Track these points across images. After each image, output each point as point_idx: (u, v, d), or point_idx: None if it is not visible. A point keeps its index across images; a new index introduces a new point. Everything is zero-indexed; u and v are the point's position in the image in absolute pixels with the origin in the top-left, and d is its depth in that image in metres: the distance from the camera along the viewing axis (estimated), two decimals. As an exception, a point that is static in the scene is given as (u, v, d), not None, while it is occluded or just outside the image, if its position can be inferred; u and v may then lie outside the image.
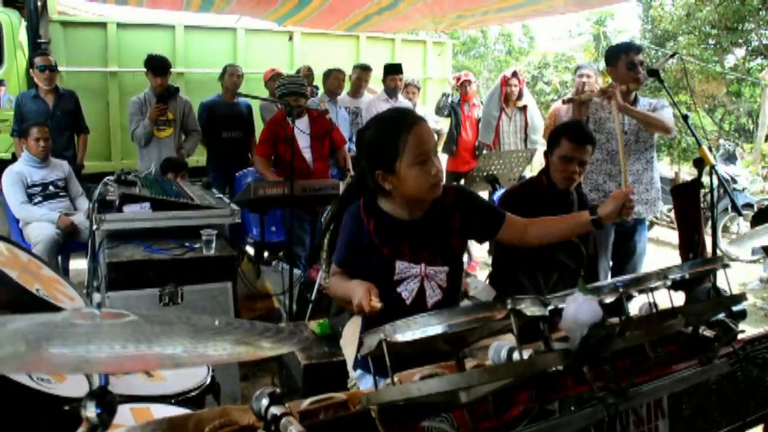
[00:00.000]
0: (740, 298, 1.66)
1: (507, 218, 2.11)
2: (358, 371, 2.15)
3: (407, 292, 1.99)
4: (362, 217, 2.02)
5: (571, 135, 2.95)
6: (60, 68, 6.00)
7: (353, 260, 2.05)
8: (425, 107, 7.38)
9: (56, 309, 2.03)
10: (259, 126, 6.33)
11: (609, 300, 1.35)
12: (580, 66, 6.00)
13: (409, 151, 1.87)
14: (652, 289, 1.46)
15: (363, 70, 6.50)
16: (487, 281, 3.32)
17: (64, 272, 4.79)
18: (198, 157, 6.43)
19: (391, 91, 6.28)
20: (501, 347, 1.43)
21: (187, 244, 3.44)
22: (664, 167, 12.56)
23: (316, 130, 4.95)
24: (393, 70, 6.34)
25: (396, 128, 1.91)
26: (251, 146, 6.38)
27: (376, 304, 1.79)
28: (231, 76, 6.04)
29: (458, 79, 6.91)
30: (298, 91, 4.75)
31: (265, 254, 5.59)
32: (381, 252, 1.99)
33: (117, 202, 3.56)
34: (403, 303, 1.98)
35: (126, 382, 2.06)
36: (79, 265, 5.13)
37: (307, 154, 4.87)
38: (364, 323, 2.14)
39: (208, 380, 2.27)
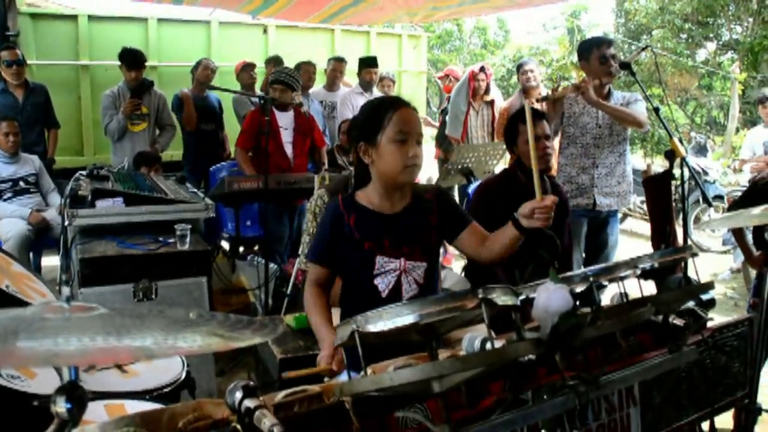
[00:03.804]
0: (708, 286, 1.69)
1: (472, 224, 2.13)
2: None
3: (384, 284, 2.01)
4: (342, 212, 2.04)
5: (525, 117, 3.01)
6: (29, 61, 5.90)
7: (332, 256, 2.06)
8: None
9: (26, 305, 2.00)
10: (231, 120, 6.29)
11: (580, 289, 1.37)
12: (522, 63, 6.05)
13: (392, 126, 1.95)
14: (622, 278, 1.48)
15: (338, 62, 6.48)
16: (462, 274, 3.34)
17: (36, 269, 4.72)
18: (173, 152, 6.36)
19: (366, 85, 6.26)
20: (474, 338, 1.44)
21: (161, 239, 3.41)
22: (637, 160, 12.71)
23: (299, 125, 4.93)
24: (368, 64, 6.32)
25: (384, 105, 2.02)
26: (223, 141, 6.33)
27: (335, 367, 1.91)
28: (204, 69, 5.98)
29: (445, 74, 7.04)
30: (287, 81, 4.74)
31: (241, 249, 5.56)
32: (362, 246, 2.00)
33: (89, 197, 3.52)
34: (378, 295, 2.00)
35: (99, 379, 2.04)
36: (51, 261, 5.07)
37: (289, 149, 4.85)
38: (341, 316, 2.14)
39: (183, 375, 2.25)
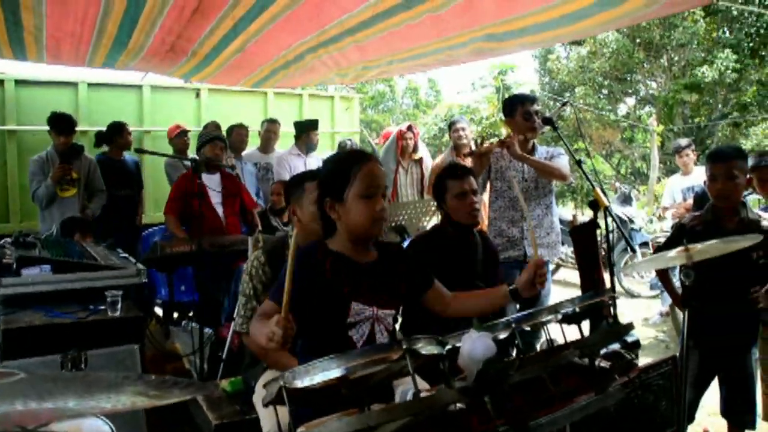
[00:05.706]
0: (629, 327, 1.76)
1: (434, 284, 2.19)
2: None
3: (358, 335, 1.98)
4: (318, 257, 2.00)
5: (452, 174, 3.16)
6: (-48, 128, 5.75)
7: (303, 302, 1.92)
8: None
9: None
10: (152, 181, 6.25)
11: (503, 336, 1.41)
12: (454, 121, 6.26)
13: (360, 182, 1.95)
14: (544, 323, 1.53)
15: (271, 123, 6.52)
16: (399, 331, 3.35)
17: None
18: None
19: (307, 147, 6.31)
20: (407, 390, 1.46)
21: (91, 306, 3.32)
22: (568, 212, 13.12)
23: (227, 187, 5.01)
24: (313, 126, 6.41)
25: (350, 160, 2.01)
26: (140, 203, 6.24)
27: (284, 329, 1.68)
28: (129, 133, 5.96)
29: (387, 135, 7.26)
30: (220, 136, 5.02)
31: (175, 315, 5.43)
32: (340, 290, 1.97)
33: (14, 265, 3.41)
34: (354, 348, 1.96)
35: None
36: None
37: (220, 210, 4.92)
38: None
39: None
